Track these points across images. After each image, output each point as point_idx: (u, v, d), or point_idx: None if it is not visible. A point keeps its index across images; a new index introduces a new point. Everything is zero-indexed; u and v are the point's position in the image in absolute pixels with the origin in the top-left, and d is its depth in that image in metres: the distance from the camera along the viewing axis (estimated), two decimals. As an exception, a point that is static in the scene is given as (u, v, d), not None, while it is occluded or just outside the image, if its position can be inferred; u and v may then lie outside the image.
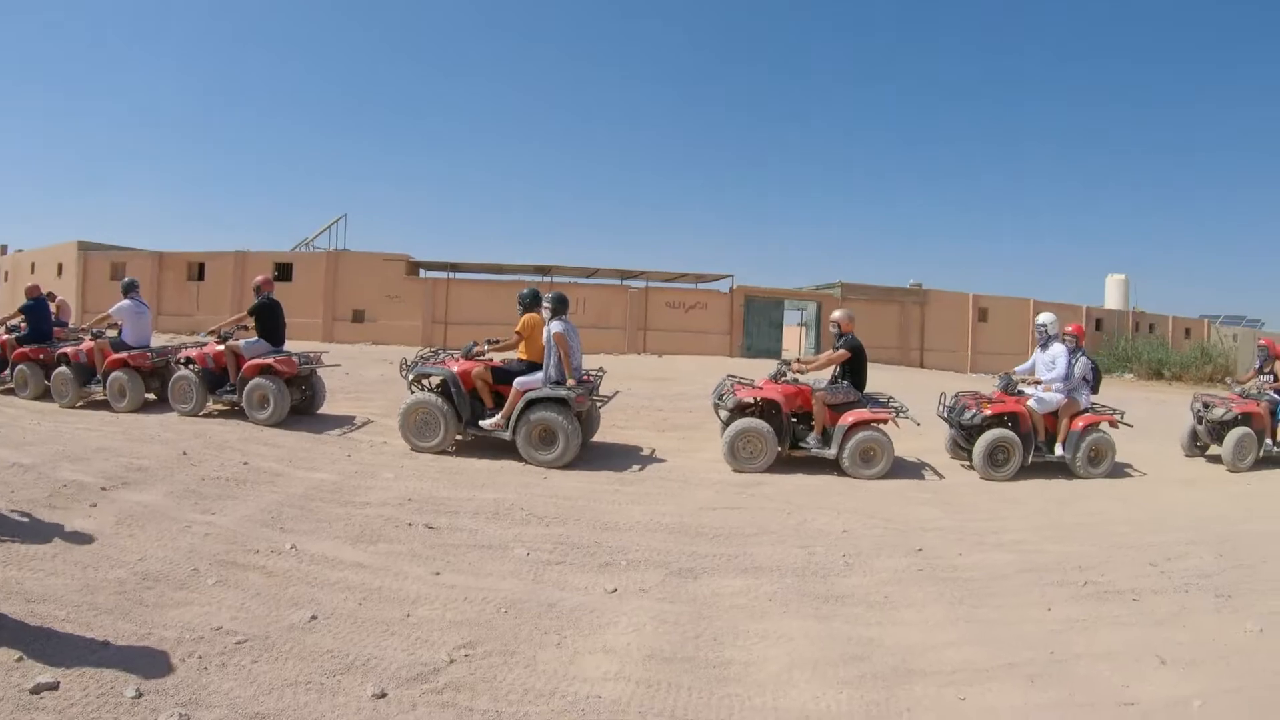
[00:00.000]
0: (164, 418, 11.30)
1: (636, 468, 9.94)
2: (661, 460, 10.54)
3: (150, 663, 4.02)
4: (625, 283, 34.41)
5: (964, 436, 11.20)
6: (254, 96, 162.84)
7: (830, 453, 10.06)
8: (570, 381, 9.80)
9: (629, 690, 4.08)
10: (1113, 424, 11.26)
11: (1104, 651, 4.93)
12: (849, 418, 10.07)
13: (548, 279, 33.26)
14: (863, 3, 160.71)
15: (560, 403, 9.67)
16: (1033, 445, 10.75)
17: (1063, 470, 10.94)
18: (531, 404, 9.70)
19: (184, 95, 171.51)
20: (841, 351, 10.43)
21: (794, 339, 38.82)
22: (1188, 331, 43.47)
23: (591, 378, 10.87)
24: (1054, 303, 38.67)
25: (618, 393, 12.56)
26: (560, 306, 10.09)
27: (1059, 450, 10.90)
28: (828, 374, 10.93)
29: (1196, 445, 13.01)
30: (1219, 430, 12.33)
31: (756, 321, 33.38)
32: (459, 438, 10.35)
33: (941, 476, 10.61)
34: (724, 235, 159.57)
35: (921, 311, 36.35)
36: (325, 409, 12.64)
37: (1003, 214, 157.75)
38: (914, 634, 5.07)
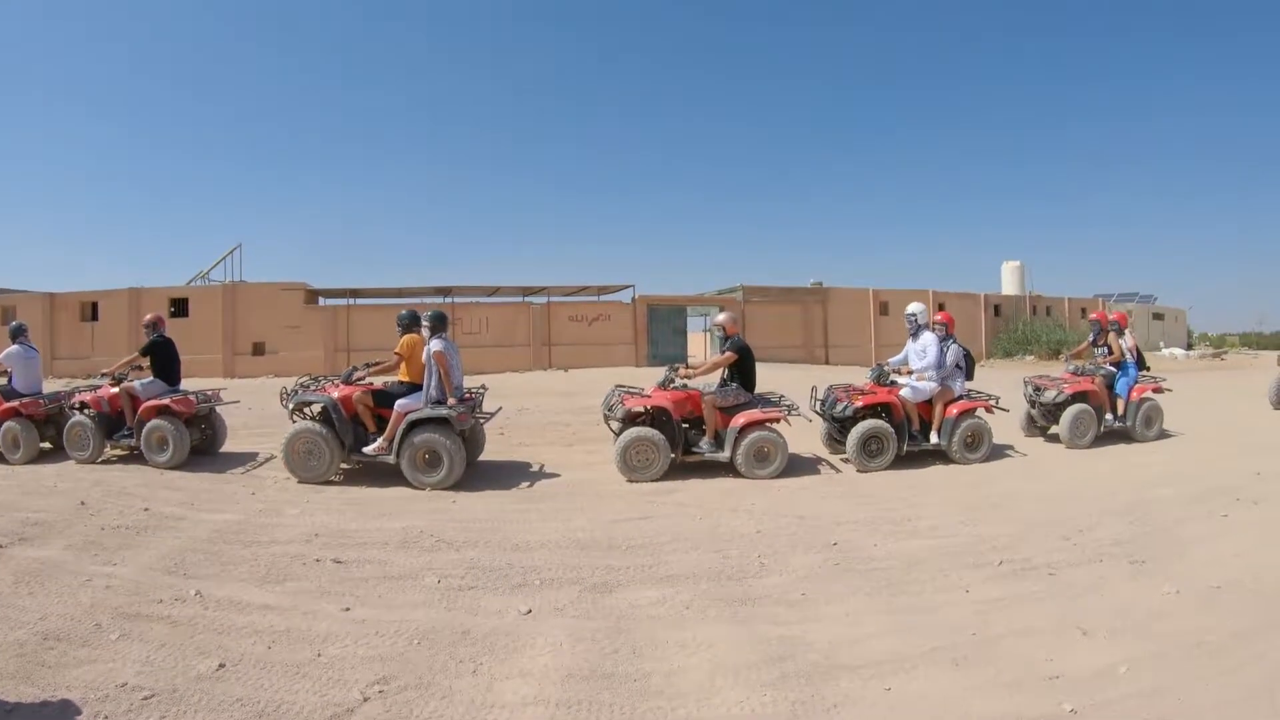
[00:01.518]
0: (61, 467, 10.94)
1: (546, 484, 9.87)
2: (571, 475, 10.46)
3: (55, 727, 3.88)
4: (527, 299, 34.33)
5: (838, 429, 11.35)
6: (140, 127, 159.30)
7: (724, 455, 10.08)
8: (451, 400, 9.72)
9: (548, 713, 4.01)
10: (988, 409, 11.40)
11: (1026, 628, 5.02)
12: (740, 419, 10.11)
13: (449, 300, 33.01)
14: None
15: (443, 423, 9.58)
16: (907, 434, 10.90)
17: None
18: (414, 425, 9.59)
19: (64, 127, 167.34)
20: (728, 354, 10.46)
21: (699, 345, 39.05)
22: (1083, 311, 44.51)
23: (473, 395, 10.83)
24: (953, 292, 39.56)
25: (500, 409, 12.51)
26: (439, 324, 10.01)
27: (934, 438, 11.03)
28: (716, 377, 10.95)
29: (1036, 427, 13.23)
30: (1054, 411, 12.55)
31: (661, 330, 33.50)
32: (344, 465, 10.21)
33: (838, 471, 10.66)
34: (624, 245, 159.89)
35: (824, 309, 36.81)
36: (228, 447, 12.32)
37: (899, 207, 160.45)
38: (835, 629, 5.08)
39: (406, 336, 10.48)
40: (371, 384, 10.61)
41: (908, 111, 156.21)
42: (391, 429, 9.76)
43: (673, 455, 10.03)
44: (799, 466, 10.71)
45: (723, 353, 10.55)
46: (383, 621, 5.26)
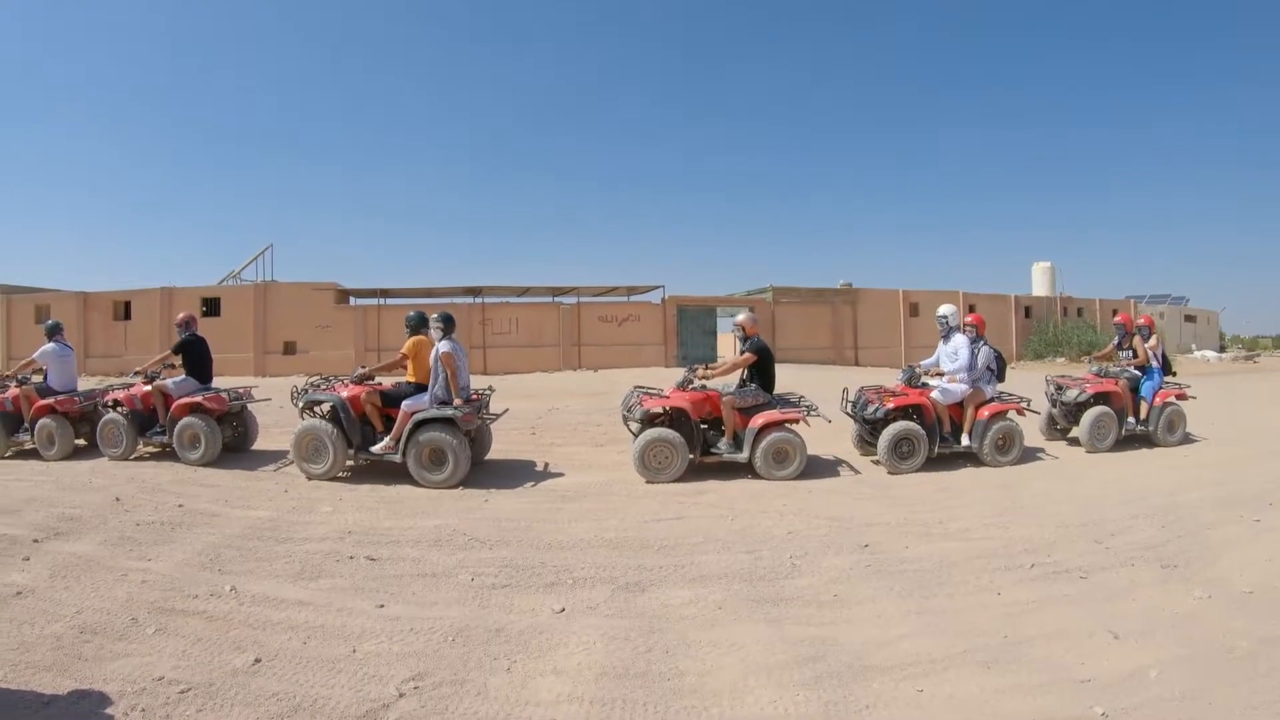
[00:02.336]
0: (95, 463, 11.03)
1: (578, 484, 9.85)
2: (603, 475, 10.46)
3: (93, 719, 3.91)
4: (557, 300, 34.43)
5: (869, 431, 11.27)
6: (175, 129, 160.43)
7: (742, 456, 10.06)
8: (458, 401, 9.79)
9: (582, 711, 4.02)
10: (1020, 412, 11.30)
11: (1057, 631, 4.99)
12: (759, 420, 10.08)
13: (479, 300, 33.15)
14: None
15: (448, 422, 9.66)
16: (938, 436, 10.83)
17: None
18: (420, 425, 9.68)
19: (103, 131, 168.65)
20: (747, 355, 10.41)
21: (729, 346, 38.88)
22: (1114, 312, 44.16)
23: (480, 396, 10.87)
24: (983, 293, 39.35)
25: (506, 410, 12.51)
26: (448, 326, 10.08)
27: (966, 440, 10.95)
28: (736, 378, 10.91)
29: (1056, 429, 13.04)
30: (1075, 412, 12.40)
31: (690, 330, 33.49)
32: (350, 463, 10.32)
33: (858, 472, 10.62)
34: (655, 245, 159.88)
35: (853, 310, 36.72)
36: (259, 444, 12.42)
37: (930, 209, 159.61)
38: (867, 630, 5.07)
39: (413, 338, 10.60)
40: (380, 384, 10.71)
41: (940, 112, 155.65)
42: (398, 428, 9.84)
43: (691, 456, 10.03)
44: (828, 468, 10.70)
45: (742, 354, 10.51)
46: (417, 619, 5.29)
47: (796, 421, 10.22)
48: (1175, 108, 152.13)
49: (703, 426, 10.36)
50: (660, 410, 10.23)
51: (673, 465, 9.86)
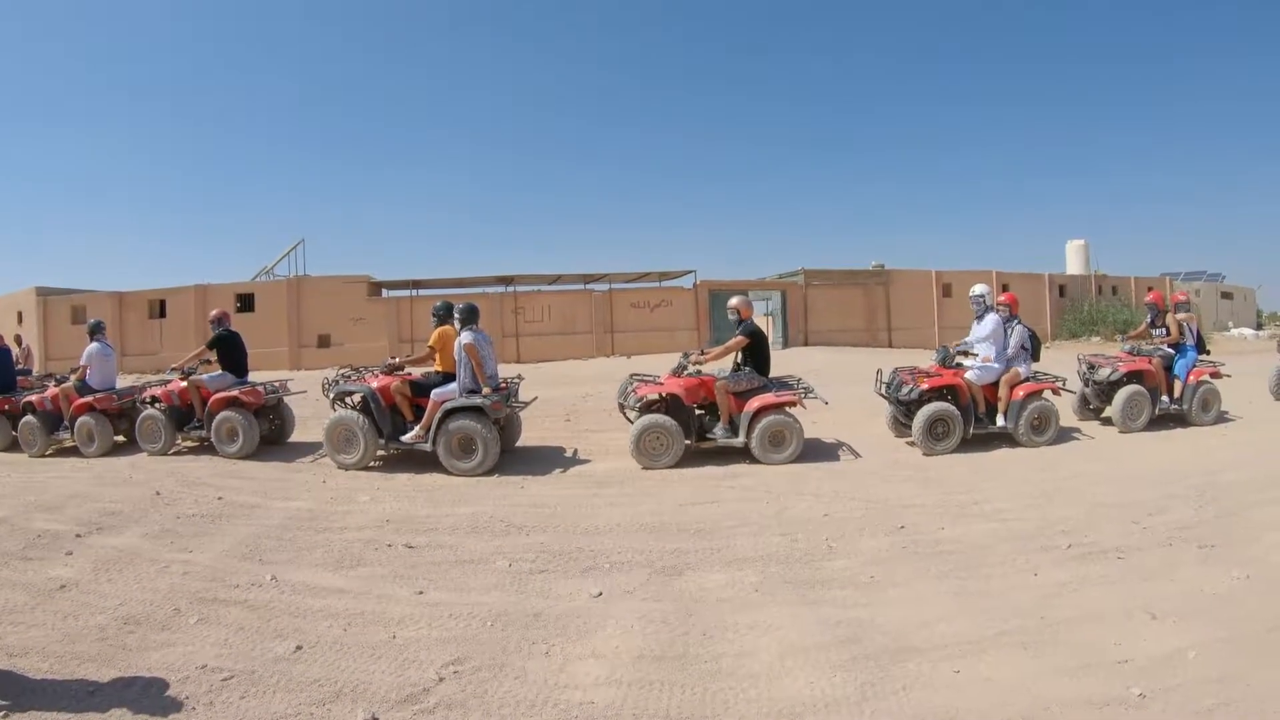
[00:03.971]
0: (135, 459, 11.21)
1: (613, 470, 9.90)
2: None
3: (138, 706, 3.97)
4: (589, 287, 34.37)
5: (903, 412, 11.19)
6: (200, 126, 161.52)
7: (738, 441, 10.05)
8: (486, 389, 9.82)
9: (621, 694, 4.05)
10: (1055, 391, 11.24)
11: (1094, 612, 4.96)
12: (754, 403, 10.06)
13: (510, 289, 33.12)
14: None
15: (477, 411, 9.72)
16: (973, 417, 10.75)
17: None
18: (449, 414, 9.75)
19: (134, 133, 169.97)
20: (739, 338, 10.38)
21: (762, 328, 38.71)
22: (1149, 290, 43.79)
23: (508, 384, 10.90)
24: (1017, 272, 38.95)
25: (535, 398, 12.55)
26: (470, 317, 10.14)
27: (1001, 421, 10.87)
28: (730, 363, 10.88)
29: (1089, 408, 12.87)
30: (1107, 391, 12.24)
31: (723, 314, 32.89)
32: (381, 452, 10.44)
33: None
34: (685, 230, 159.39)
35: (886, 292, 36.44)
36: (296, 437, 12.55)
37: (962, 186, 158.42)
38: (904, 612, 5.06)
39: (440, 329, 10.71)
40: (410, 374, 10.81)
41: (971, 88, 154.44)
42: (428, 417, 9.94)
43: (687, 442, 10.04)
44: (868, 450, 10.69)
45: (736, 336, 10.48)
46: (455, 604, 5.34)
47: (793, 404, 10.20)
48: (1209, 80, 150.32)
49: (699, 412, 10.43)
50: (656, 397, 10.27)
51: (669, 451, 9.88)
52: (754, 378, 10.35)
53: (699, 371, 10.51)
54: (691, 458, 10.11)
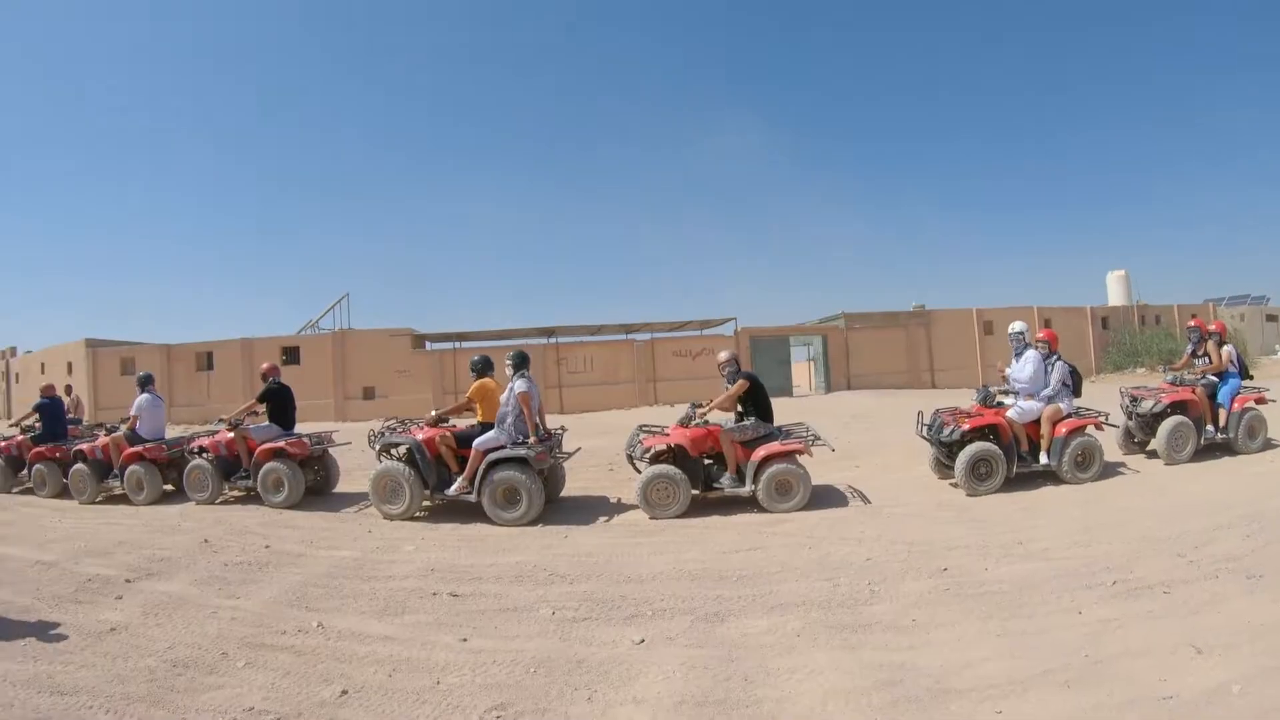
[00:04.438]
0: (183, 508, 11.35)
1: (655, 519, 9.88)
2: (678, 508, 10.45)
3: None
4: (630, 337, 34.63)
5: (945, 453, 11.11)
6: (244, 181, 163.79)
7: (745, 490, 9.99)
8: (532, 439, 9.90)
9: (663, 738, 4.06)
10: (1098, 427, 11.14)
11: (1139, 648, 4.91)
12: (760, 452, 10.01)
13: (553, 340, 33.47)
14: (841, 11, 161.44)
15: (522, 461, 9.75)
16: (1015, 456, 10.64)
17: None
18: (494, 465, 9.78)
19: (179, 185, 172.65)
20: (739, 383, 10.38)
21: (804, 374, 38.83)
22: (1192, 318, 43.33)
23: (553, 435, 10.94)
24: (1058, 306, 38.81)
25: (579, 449, 12.51)
26: (519, 364, 10.27)
27: (1044, 459, 10.77)
28: (734, 413, 10.84)
29: (1134, 442, 12.71)
30: (1151, 423, 12.10)
31: (764, 361, 33.31)
32: (426, 503, 10.48)
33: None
34: (725, 278, 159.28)
35: (927, 332, 36.44)
36: (341, 487, 12.67)
37: (1001, 223, 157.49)
38: (946, 654, 5.04)
39: (479, 382, 10.77)
40: (454, 426, 10.89)
41: (1006, 121, 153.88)
42: (471, 467, 9.97)
43: (695, 492, 10.02)
44: (901, 495, 10.67)
45: (730, 385, 10.49)
46: (499, 651, 5.37)
47: (800, 452, 10.12)
48: (1238, 98, 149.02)
49: (707, 462, 10.38)
50: (664, 448, 10.25)
51: (676, 501, 9.84)
52: (759, 426, 10.34)
53: (706, 422, 10.47)
54: (701, 507, 10.09)
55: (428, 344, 34.55)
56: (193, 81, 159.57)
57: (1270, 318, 49.76)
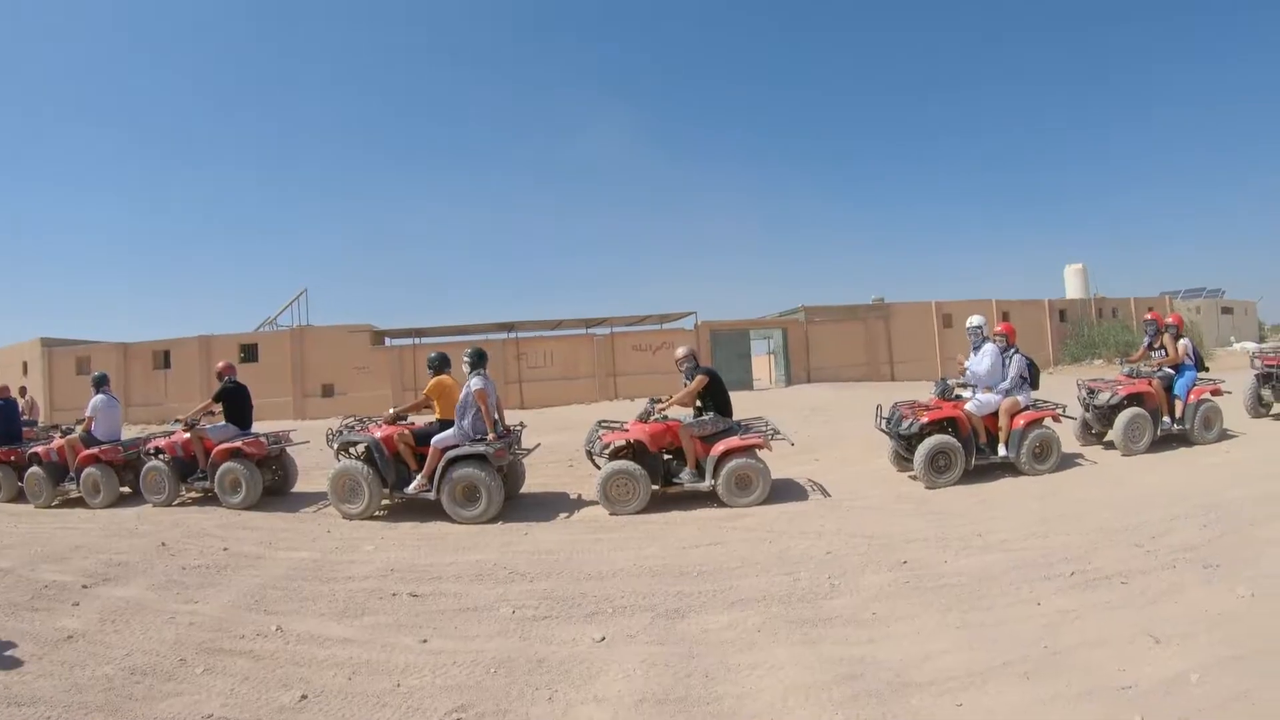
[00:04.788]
0: (140, 510, 11.26)
1: (615, 514, 9.86)
2: (639, 503, 10.44)
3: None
4: (590, 331, 34.65)
5: (904, 446, 11.18)
6: (201, 174, 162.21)
7: (705, 485, 10.00)
8: (491, 436, 9.90)
9: (623, 737, 4.06)
10: (1055, 419, 11.23)
11: (1097, 639, 4.96)
12: (720, 447, 10.01)
13: (512, 335, 33.40)
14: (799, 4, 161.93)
15: (480, 458, 9.73)
16: (974, 449, 10.73)
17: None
18: (453, 462, 9.75)
19: (135, 184, 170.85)
20: (700, 378, 10.36)
21: (764, 368, 38.93)
22: (1148, 310, 43.73)
23: (512, 431, 10.92)
24: (1017, 299, 39.10)
25: (539, 445, 12.54)
26: (477, 361, 10.24)
27: (1003, 451, 10.88)
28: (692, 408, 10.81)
29: (1091, 433, 12.87)
30: (1108, 415, 12.25)
31: (724, 355, 33.40)
32: (386, 502, 10.47)
33: (893, 486, 10.62)
34: (684, 272, 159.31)
35: (886, 325, 36.66)
36: (300, 487, 12.57)
37: (959, 217, 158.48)
38: (906, 647, 5.07)
39: (437, 379, 10.70)
40: (413, 424, 10.84)
41: (960, 115, 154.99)
42: (429, 465, 9.93)
43: (655, 487, 10.02)
44: (860, 488, 10.74)
45: (689, 381, 10.49)
46: (459, 652, 5.34)
47: (760, 447, 10.14)
48: (1190, 90, 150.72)
49: (666, 457, 10.39)
50: (623, 443, 10.24)
51: (636, 497, 9.83)
52: (718, 421, 10.34)
53: (665, 417, 10.49)
54: (661, 503, 10.10)
55: (387, 340, 34.48)
56: (148, 77, 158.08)
57: (1225, 310, 50.42)
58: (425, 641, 5.60)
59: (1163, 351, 12.74)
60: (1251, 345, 41.61)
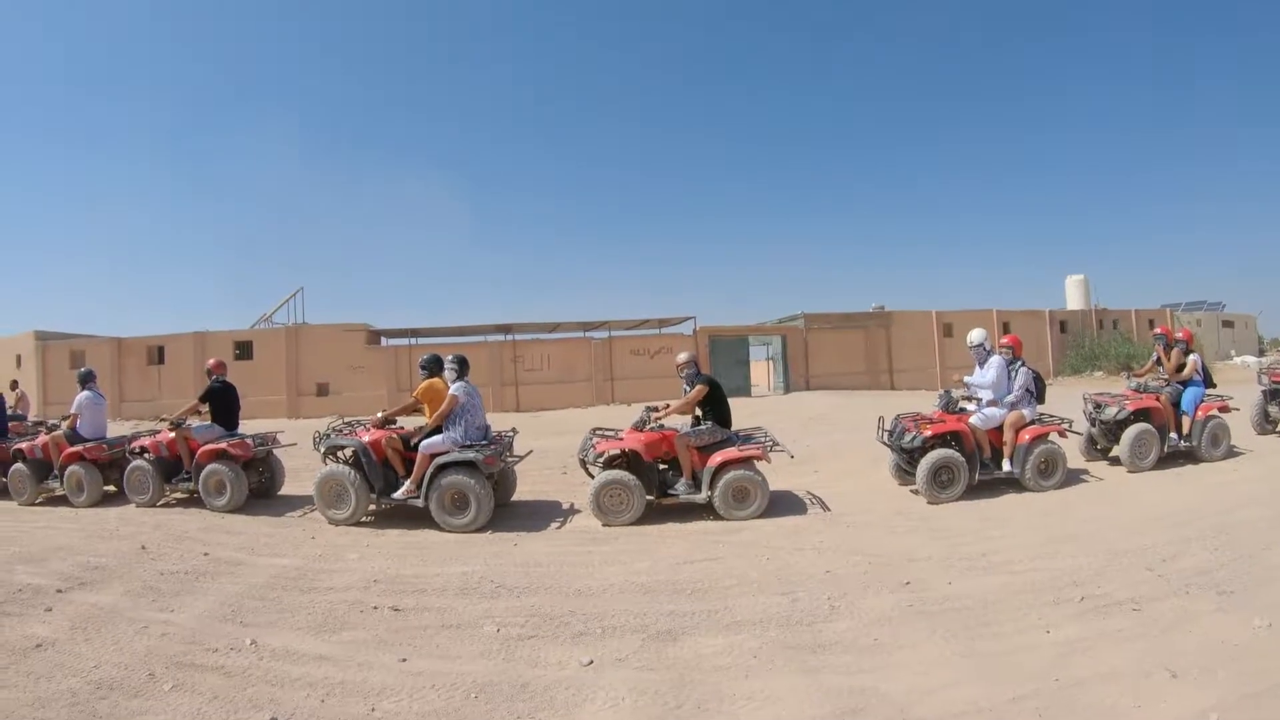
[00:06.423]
0: (123, 510, 11.12)
1: (608, 526, 9.66)
2: (633, 514, 10.24)
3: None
4: (588, 334, 34.66)
5: (906, 460, 10.97)
6: (203, 172, 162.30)
7: (701, 497, 9.79)
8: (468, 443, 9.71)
9: (607, 773, 3.84)
10: (1061, 434, 11.04)
11: (1110, 671, 4.75)
12: (717, 458, 9.79)
13: (510, 337, 33.21)
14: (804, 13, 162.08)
15: (470, 465, 9.52)
16: (978, 463, 10.55)
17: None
18: (442, 469, 9.56)
19: (134, 177, 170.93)
20: (700, 387, 10.12)
21: (763, 374, 38.82)
22: (1151, 322, 43.58)
23: (503, 438, 10.73)
24: (1018, 310, 39.08)
25: (531, 452, 12.37)
26: (461, 369, 10.07)
27: (1007, 466, 10.67)
28: (691, 417, 10.64)
29: (1096, 449, 12.69)
30: (1115, 430, 12.06)
31: (723, 361, 33.37)
32: (373, 507, 10.26)
33: (894, 500, 10.45)
34: (685, 277, 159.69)
35: (887, 334, 36.65)
36: (287, 489, 12.42)
37: (961, 226, 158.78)
38: (910, 677, 4.84)
39: (428, 382, 10.54)
40: (402, 428, 10.66)
41: (966, 125, 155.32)
42: (418, 471, 9.73)
43: (649, 498, 9.85)
44: (861, 502, 10.53)
45: (690, 389, 10.26)
46: (439, 674, 5.12)
47: (758, 458, 9.93)
48: (1195, 110, 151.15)
49: (662, 467, 10.20)
50: (617, 453, 10.05)
51: (629, 508, 9.64)
52: (716, 431, 10.10)
53: (661, 426, 10.25)
54: (655, 514, 9.90)
55: (383, 340, 34.36)
56: (148, 69, 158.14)
57: (1226, 323, 50.53)
58: (404, 661, 5.38)
59: (1170, 365, 12.55)
60: (1251, 359, 41.62)
